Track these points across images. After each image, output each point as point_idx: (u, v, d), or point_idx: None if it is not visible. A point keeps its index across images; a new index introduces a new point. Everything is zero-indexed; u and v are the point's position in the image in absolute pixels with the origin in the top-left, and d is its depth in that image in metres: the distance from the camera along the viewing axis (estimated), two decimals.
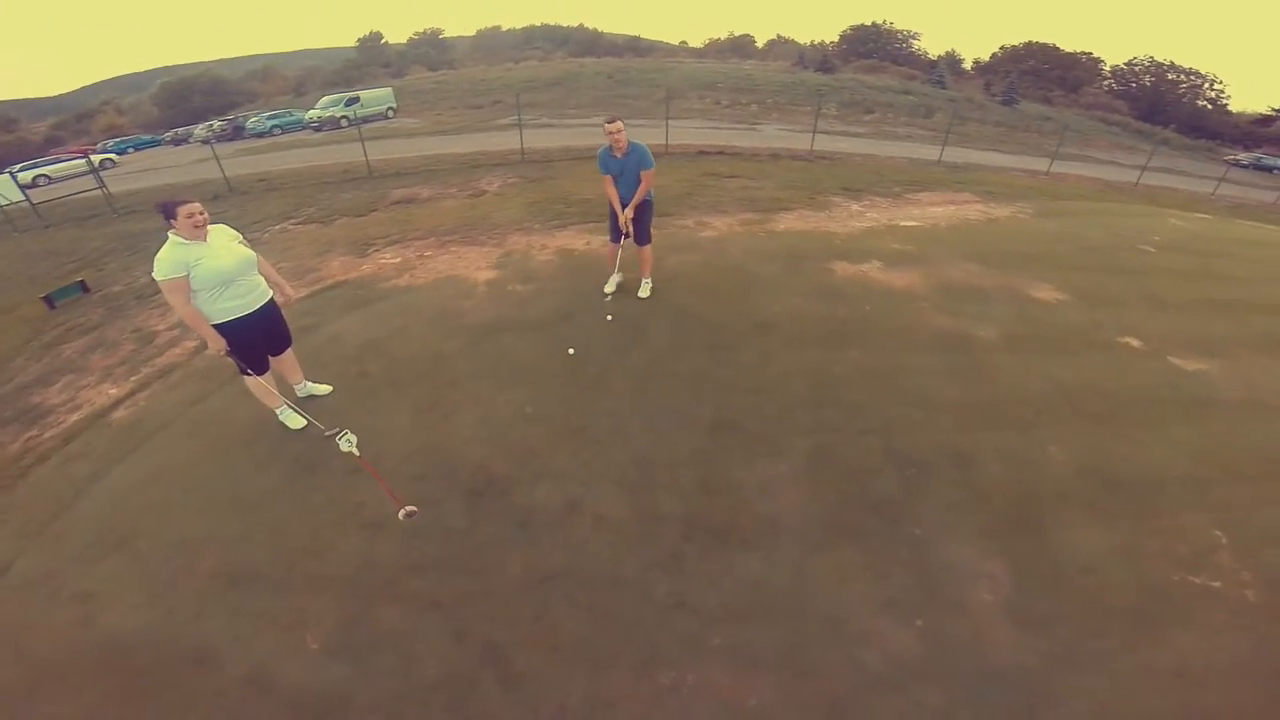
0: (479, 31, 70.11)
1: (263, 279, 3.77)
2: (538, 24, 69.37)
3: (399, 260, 7.21)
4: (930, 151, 15.44)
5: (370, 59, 58.35)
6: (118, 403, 4.92)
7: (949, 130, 15.74)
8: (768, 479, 3.53)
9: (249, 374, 3.80)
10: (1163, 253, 7.89)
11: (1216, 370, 4.87)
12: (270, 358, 4.00)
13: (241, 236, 3.69)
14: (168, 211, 3.27)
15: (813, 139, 14.34)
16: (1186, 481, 3.65)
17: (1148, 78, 53.93)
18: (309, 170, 14.91)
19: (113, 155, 27.00)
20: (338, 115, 26.74)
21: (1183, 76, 53.40)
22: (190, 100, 49.16)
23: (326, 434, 3.81)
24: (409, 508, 3.36)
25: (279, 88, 53.72)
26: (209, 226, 3.42)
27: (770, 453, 3.73)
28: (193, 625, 2.84)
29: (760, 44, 66.29)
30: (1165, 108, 48.34)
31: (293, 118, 30.42)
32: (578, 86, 31.37)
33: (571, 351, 4.78)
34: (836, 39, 60.95)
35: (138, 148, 34.09)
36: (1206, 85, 52.53)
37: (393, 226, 8.80)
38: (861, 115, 27.80)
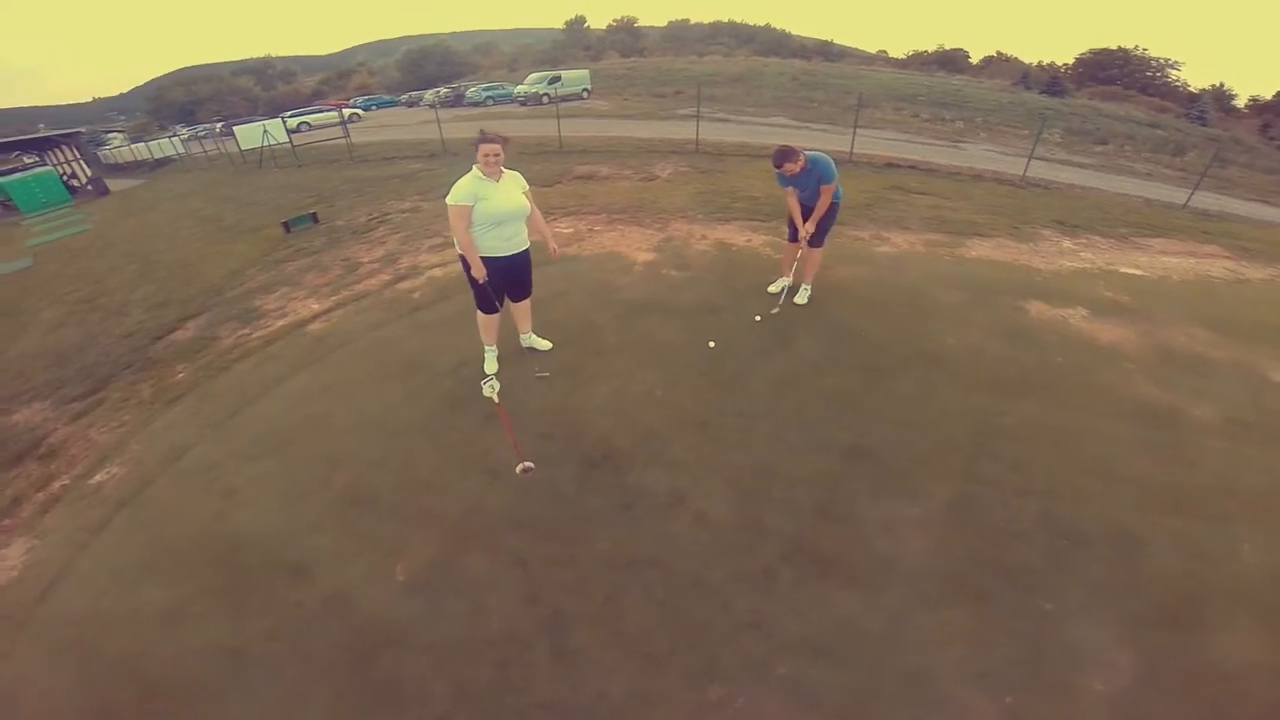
0: (670, 23, 70.90)
1: (525, 230, 4.01)
2: (725, 20, 68.75)
3: (571, 231, 7.51)
4: (1175, 195, 12.88)
5: (574, 41, 61.86)
6: (316, 316, 5.66)
7: (1204, 172, 12.98)
8: (895, 519, 3.16)
9: (482, 308, 4.08)
10: None
11: None
12: (511, 302, 4.29)
13: (528, 188, 3.97)
14: (478, 144, 3.61)
15: (1027, 164, 12.53)
16: None
17: None
18: (511, 141, 16.13)
19: (359, 110, 31.25)
20: (540, 92, 28.44)
21: None
22: (425, 68, 55.19)
23: (539, 374, 4.13)
24: (527, 464, 3.45)
25: (496, 62, 58.70)
26: (505, 171, 3.76)
27: (906, 493, 3.34)
28: (306, 537, 3.14)
29: (975, 59, 59.61)
30: None
31: (504, 91, 33.23)
32: (759, 85, 30.48)
33: (712, 345, 4.64)
34: (1070, 61, 53.32)
35: (380, 106, 39.21)
36: None
37: (572, 199, 9.20)
38: (1092, 145, 23.95)
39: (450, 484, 3.41)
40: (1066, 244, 7.78)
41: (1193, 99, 43.19)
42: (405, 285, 6.26)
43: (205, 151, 27.81)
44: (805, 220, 4.86)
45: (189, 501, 3.54)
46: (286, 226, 9.41)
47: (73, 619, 2.93)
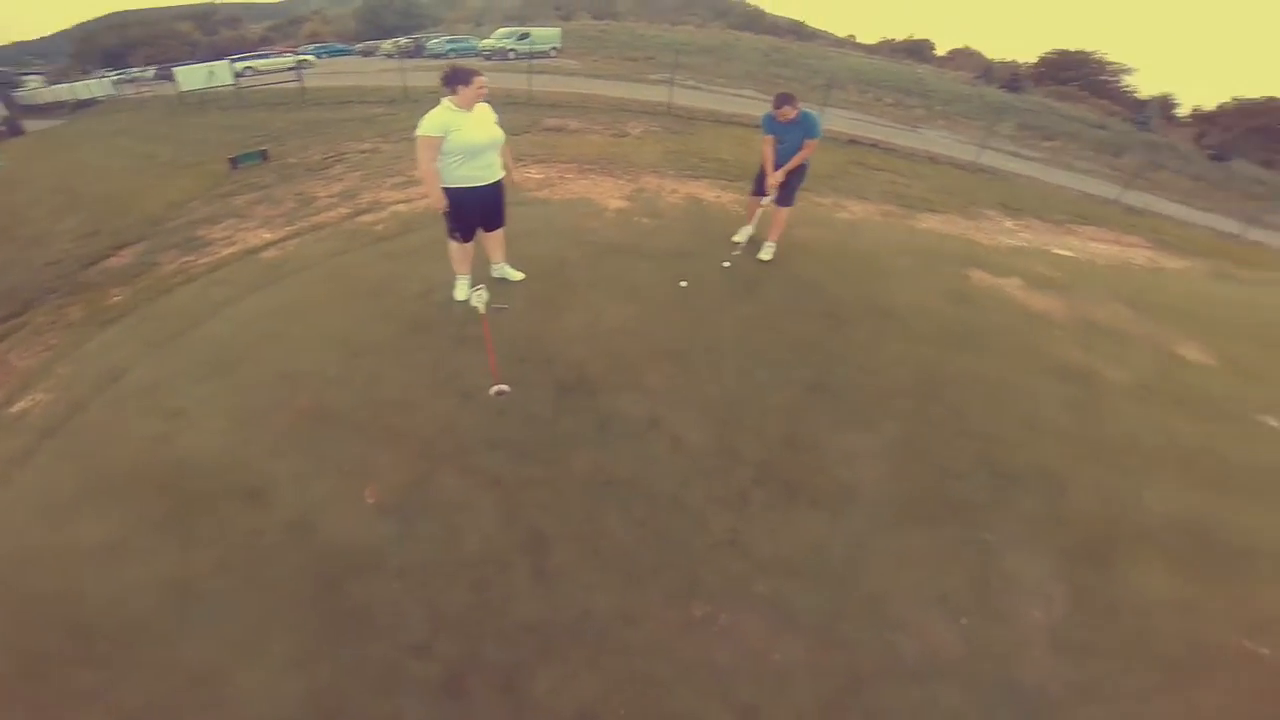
0: None
1: (499, 160, 3.88)
2: None
3: (542, 177, 7.30)
4: (1110, 191, 13.63)
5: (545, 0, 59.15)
6: (269, 244, 5.30)
7: (1137, 174, 13.81)
8: (853, 450, 3.26)
9: (455, 237, 3.93)
10: None
11: None
12: (484, 232, 4.13)
13: (498, 118, 3.81)
14: (460, 78, 3.46)
15: (979, 152, 13.05)
16: None
17: None
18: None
19: (310, 58, 28.97)
20: (507, 48, 26.87)
21: None
22: (384, 18, 51.15)
23: (497, 306, 3.86)
24: (502, 386, 3.37)
25: (461, 16, 55.05)
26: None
27: (861, 427, 3.44)
28: (263, 460, 2.90)
29: (941, 51, 60.40)
30: None
31: (468, 44, 31.40)
32: (731, 57, 29.94)
33: (684, 284, 4.62)
34: (1034, 60, 53.57)
35: (332, 54, 36.29)
36: None
37: (541, 149, 8.92)
38: (1041, 140, 24.77)
39: (420, 404, 3.25)
40: (1008, 224, 8.14)
41: (1140, 105, 44.90)
42: (367, 218, 5.94)
43: (139, 94, 25.39)
44: (776, 170, 4.85)
45: (126, 426, 3.20)
46: (233, 163, 8.75)
47: None
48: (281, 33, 56.06)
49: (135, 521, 2.67)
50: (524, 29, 30.03)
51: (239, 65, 21.83)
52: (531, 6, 52.69)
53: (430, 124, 3.46)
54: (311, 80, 17.59)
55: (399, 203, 6.36)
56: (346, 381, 3.41)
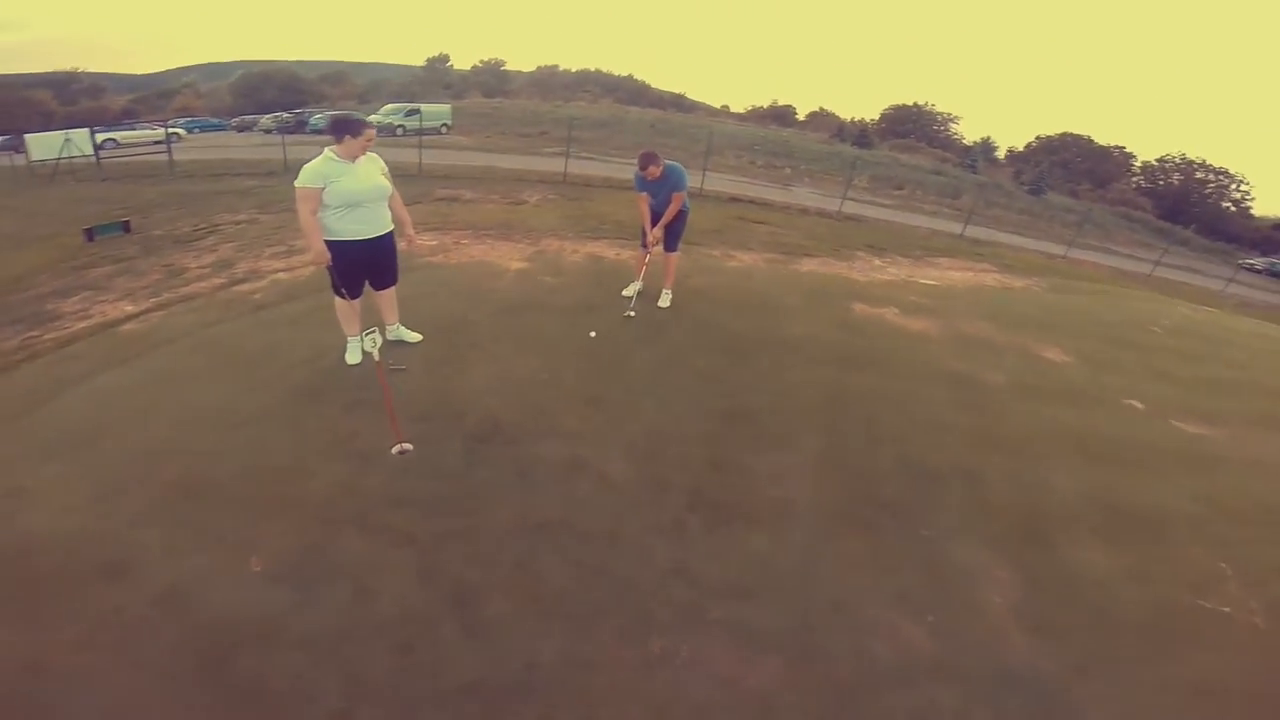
0: (538, 68, 68.26)
1: (389, 213, 3.68)
2: (591, 69, 68.39)
3: (436, 243, 7.05)
4: (954, 227, 15.45)
5: (435, 78, 58.38)
6: (130, 317, 4.66)
7: (974, 211, 15.83)
8: (778, 467, 3.23)
9: (341, 294, 3.61)
10: (1170, 335, 7.64)
11: (1217, 435, 4.60)
12: (374, 290, 3.86)
13: (388, 170, 3.64)
14: (348, 128, 3.32)
15: (841, 202, 14.37)
16: (1190, 519, 3.41)
17: (1176, 176, 51.74)
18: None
19: (180, 131, 27.18)
20: (395, 124, 25.89)
21: (1211, 176, 50.86)
22: (264, 93, 48.96)
23: (394, 368, 3.59)
24: (405, 444, 3.05)
25: (347, 93, 53.67)
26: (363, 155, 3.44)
27: (782, 445, 3.45)
28: (123, 534, 2.46)
29: (801, 115, 65.24)
30: (1189, 207, 45.47)
31: None
32: (622, 129, 31.47)
33: (593, 334, 4.54)
34: (877, 117, 59.35)
35: (204, 129, 34.07)
36: (1234, 186, 50.33)
37: (434, 217, 8.69)
38: (891, 190, 27.64)
39: (313, 470, 2.86)
40: (877, 262, 8.85)
41: (967, 150, 50.86)
42: (244, 288, 5.41)
43: None
44: (654, 226, 4.98)
45: None
46: (89, 234, 7.80)
47: None
48: (148, 105, 51.77)
49: None
50: (414, 105, 29.50)
51: (100, 137, 19.97)
52: (420, 84, 52.65)
53: (308, 175, 3.26)
54: (182, 154, 16.38)
55: (279, 271, 5.88)
56: (224, 453, 2.95)
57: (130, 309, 4.87)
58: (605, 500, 2.84)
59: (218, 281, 5.61)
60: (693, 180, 7.34)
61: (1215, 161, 54.99)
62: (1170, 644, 2.52)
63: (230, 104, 49.95)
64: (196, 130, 32.96)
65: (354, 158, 3.38)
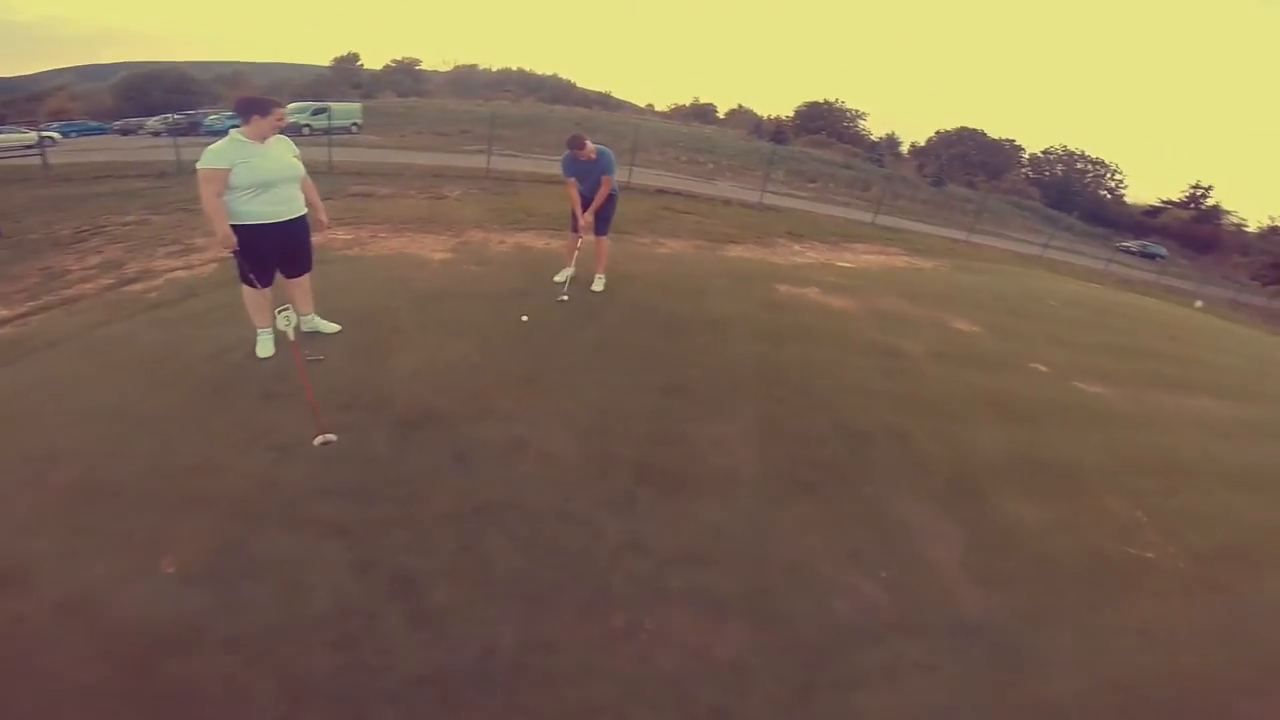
0: (456, 67, 65.72)
1: (302, 196, 3.47)
2: (513, 68, 66.53)
3: (350, 237, 6.65)
4: (865, 216, 16.26)
5: (343, 78, 55.20)
6: (5, 321, 4.13)
7: (882, 201, 16.79)
8: (720, 436, 3.25)
9: (251, 282, 3.31)
10: (1063, 306, 8.36)
11: (1113, 394, 5.05)
12: (286, 279, 3.59)
13: (298, 152, 3.44)
14: (256, 107, 3.15)
15: (761, 195, 14.82)
16: (1102, 472, 3.68)
17: (1060, 166, 56.39)
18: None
19: (55, 135, 24.50)
20: (301, 123, 23.95)
21: (1090, 166, 55.92)
22: (150, 95, 44.56)
23: (309, 358, 3.31)
24: (327, 435, 2.84)
25: (245, 94, 50.60)
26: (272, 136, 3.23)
27: (721, 415, 3.48)
28: (11, 541, 2.18)
29: (722, 113, 65.69)
30: (1072, 195, 49.10)
31: None
32: (546, 128, 30.60)
33: (525, 319, 4.40)
34: (792, 113, 61.30)
35: (82, 133, 30.60)
36: (1109, 175, 55.65)
37: (347, 213, 8.17)
38: (805, 183, 28.73)
39: (226, 465, 2.61)
40: (796, 247, 9.17)
41: (874, 146, 53.50)
42: (137, 287, 4.90)
43: None
44: (585, 210, 4.93)
45: None
46: None
47: None
48: (16, 109, 46.17)
49: None
50: (321, 104, 27.82)
51: None
52: (327, 85, 49.64)
53: (212, 156, 3.04)
54: (58, 157, 14.73)
55: (177, 270, 5.38)
56: (124, 454, 2.65)
57: (4, 313, 4.30)
58: (550, 477, 2.75)
59: (105, 282, 5.06)
60: (621, 175, 7.47)
61: (1093, 152, 61.11)
62: (1110, 591, 2.68)
63: (111, 106, 45.35)
64: (74, 134, 29.66)
65: (263, 138, 3.18)
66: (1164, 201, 53.40)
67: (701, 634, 2.12)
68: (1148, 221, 48.94)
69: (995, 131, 65.81)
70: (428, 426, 3.01)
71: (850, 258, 9.07)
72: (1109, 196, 54.90)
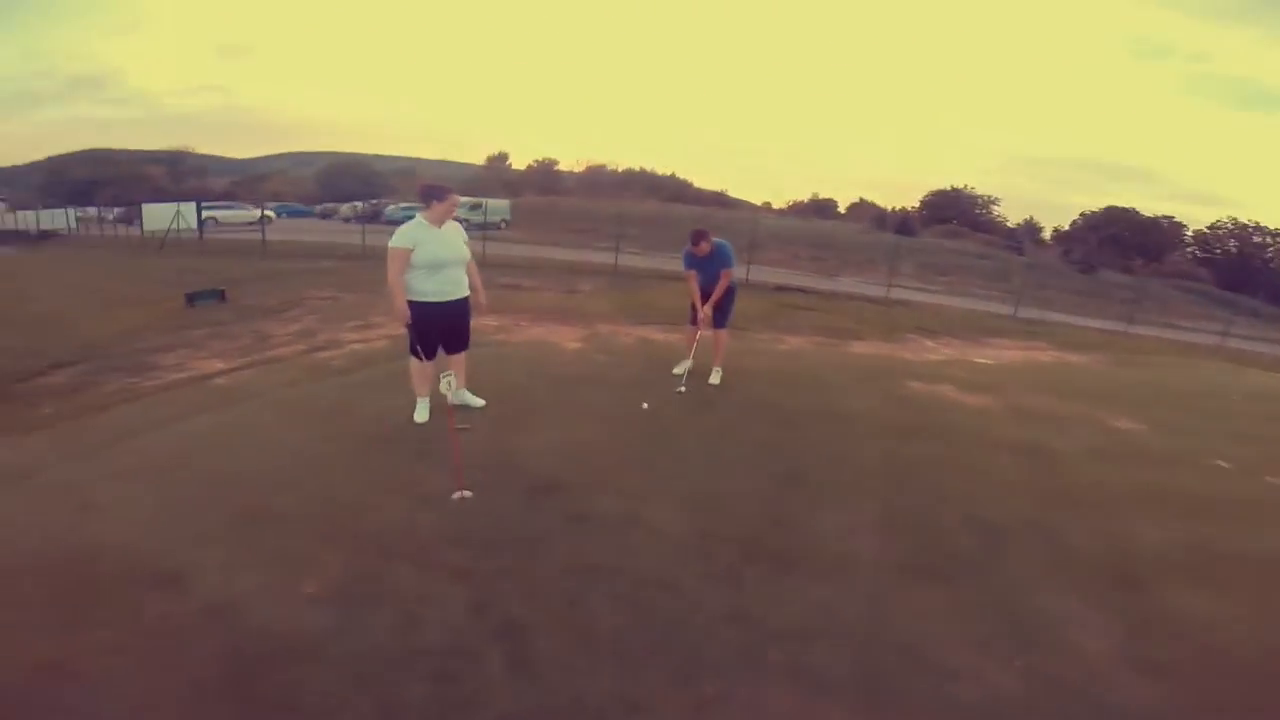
0: (587, 167, 69.85)
1: (465, 279, 3.90)
2: (637, 169, 69.47)
3: (498, 324, 7.45)
4: (1005, 309, 15.10)
5: (494, 176, 61.32)
6: (221, 373, 5.05)
7: (1024, 292, 15.62)
8: (840, 525, 3.10)
9: (417, 354, 3.78)
10: (1248, 400, 7.14)
11: None
12: (446, 355, 4.00)
13: (468, 239, 3.93)
14: (436, 193, 3.63)
15: (888, 289, 14.47)
16: None
17: (1232, 242, 48.83)
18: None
19: (271, 214, 29.69)
20: (461, 217, 27.88)
21: (1269, 239, 47.81)
22: (343, 183, 52.82)
23: (459, 427, 3.58)
24: (464, 491, 3.09)
25: (415, 186, 58.36)
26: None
27: (840, 504, 3.33)
28: (184, 549, 2.54)
29: (842, 208, 64.00)
30: (1252, 274, 41.19)
31: None
32: (667, 226, 32.54)
33: (646, 406, 4.58)
34: (918, 203, 58.43)
35: (292, 214, 36.66)
36: None
37: (497, 302, 9.00)
38: (937, 276, 27.06)
39: (374, 506, 2.94)
40: (929, 344, 8.75)
41: (1011, 233, 49.91)
42: (324, 354, 5.80)
43: (102, 232, 25.12)
44: (704, 303, 5.07)
45: (26, 514, 2.82)
46: (190, 299, 8.60)
47: None
48: (244, 188, 55.89)
49: (6, 604, 2.25)
50: (478, 200, 31.21)
51: (204, 214, 21.90)
52: (480, 182, 55.92)
53: (401, 236, 3.56)
54: (272, 235, 18.04)
55: (356, 342, 6.30)
56: (292, 488, 3.07)
57: (221, 366, 5.29)
58: (659, 549, 2.77)
59: (300, 348, 6.04)
60: (738, 272, 7.78)
61: (1270, 223, 50.72)
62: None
63: (315, 191, 54.12)
64: (285, 215, 35.46)
65: (440, 222, 3.67)
66: None
67: (795, 708, 1.97)
68: None
69: (1147, 209, 59.10)
70: (552, 493, 3.19)
71: (990, 353, 8.48)
72: None
